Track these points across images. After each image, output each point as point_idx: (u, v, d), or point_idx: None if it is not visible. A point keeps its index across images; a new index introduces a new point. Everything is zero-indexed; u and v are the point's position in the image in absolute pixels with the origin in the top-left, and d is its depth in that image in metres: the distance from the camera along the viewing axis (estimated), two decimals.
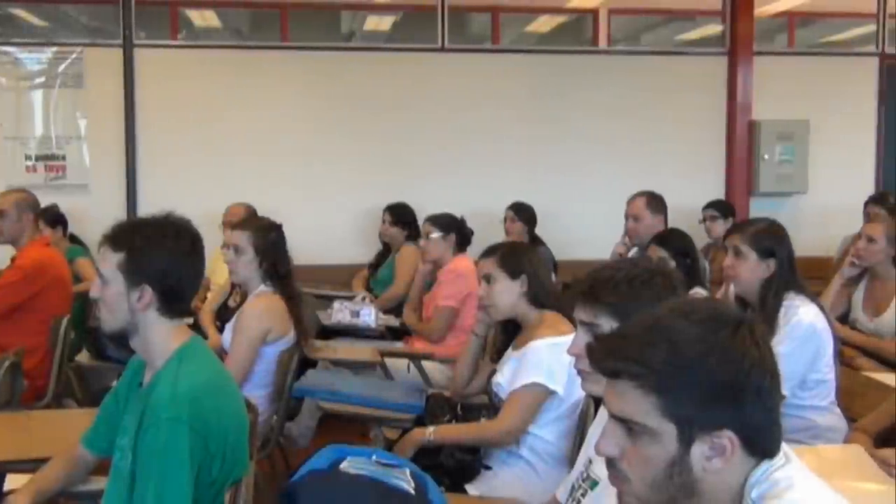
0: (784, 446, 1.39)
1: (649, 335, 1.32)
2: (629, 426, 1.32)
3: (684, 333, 1.31)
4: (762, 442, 1.34)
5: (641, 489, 1.34)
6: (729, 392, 1.29)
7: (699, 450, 1.30)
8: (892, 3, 7.19)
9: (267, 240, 3.64)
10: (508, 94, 6.84)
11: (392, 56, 6.85)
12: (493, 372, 3.11)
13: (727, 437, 1.30)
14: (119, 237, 2.13)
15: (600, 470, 1.94)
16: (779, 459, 1.35)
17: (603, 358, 1.36)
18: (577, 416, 2.84)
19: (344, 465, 2.10)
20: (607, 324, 1.98)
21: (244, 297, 3.81)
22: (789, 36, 8.34)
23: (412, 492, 2.01)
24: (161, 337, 2.12)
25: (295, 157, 6.67)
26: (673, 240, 4.09)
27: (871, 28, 7.23)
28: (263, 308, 3.57)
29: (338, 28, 7.84)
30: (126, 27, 6.42)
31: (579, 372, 1.99)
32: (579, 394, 2.76)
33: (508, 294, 3.04)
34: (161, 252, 2.10)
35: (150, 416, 2.00)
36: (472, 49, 7.04)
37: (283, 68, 6.70)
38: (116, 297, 2.10)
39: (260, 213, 5.22)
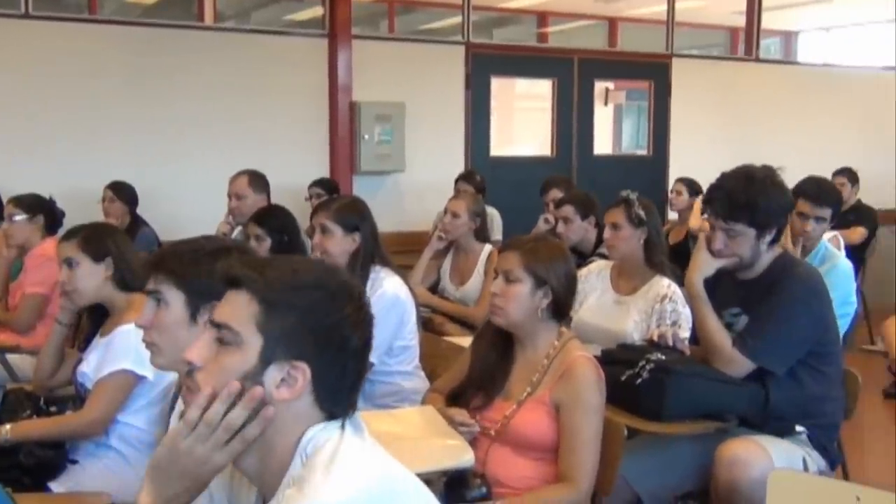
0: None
1: (278, 261, 1.48)
2: (221, 336, 1.40)
3: (307, 269, 1.45)
4: (330, 397, 1.41)
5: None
6: (320, 329, 1.39)
7: (274, 372, 1.38)
8: None
9: None
10: (107, 67, 6.43)
11: None
12: (80, 361, 2.96)
13: (301, 370, 1.38)
14: None
15: None
16: (336, 421, 1.42)
17: (231, 266, 1.46)
18: (169, 400, 2.79)
19: None
20: (168, 292, 2.00)
21: None
22: (390, 22, 8.78)
23: None
24: None
25: None
26: (269, 217, 4.09)
27: (458, 19, 7.80)
28: None
29: None
30: None
31: (148, 346, 1.98)
32: (170, 377, 2.71)
33: (92, 278, 2.91)
34: None
35: None
36: (61, 18, 6.54)
37: None
38: None
39: None
